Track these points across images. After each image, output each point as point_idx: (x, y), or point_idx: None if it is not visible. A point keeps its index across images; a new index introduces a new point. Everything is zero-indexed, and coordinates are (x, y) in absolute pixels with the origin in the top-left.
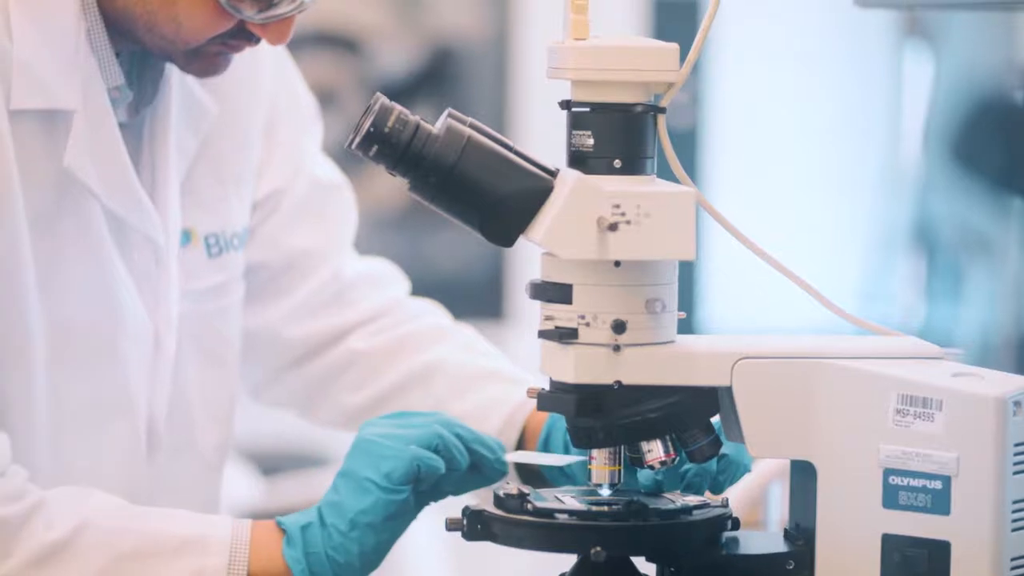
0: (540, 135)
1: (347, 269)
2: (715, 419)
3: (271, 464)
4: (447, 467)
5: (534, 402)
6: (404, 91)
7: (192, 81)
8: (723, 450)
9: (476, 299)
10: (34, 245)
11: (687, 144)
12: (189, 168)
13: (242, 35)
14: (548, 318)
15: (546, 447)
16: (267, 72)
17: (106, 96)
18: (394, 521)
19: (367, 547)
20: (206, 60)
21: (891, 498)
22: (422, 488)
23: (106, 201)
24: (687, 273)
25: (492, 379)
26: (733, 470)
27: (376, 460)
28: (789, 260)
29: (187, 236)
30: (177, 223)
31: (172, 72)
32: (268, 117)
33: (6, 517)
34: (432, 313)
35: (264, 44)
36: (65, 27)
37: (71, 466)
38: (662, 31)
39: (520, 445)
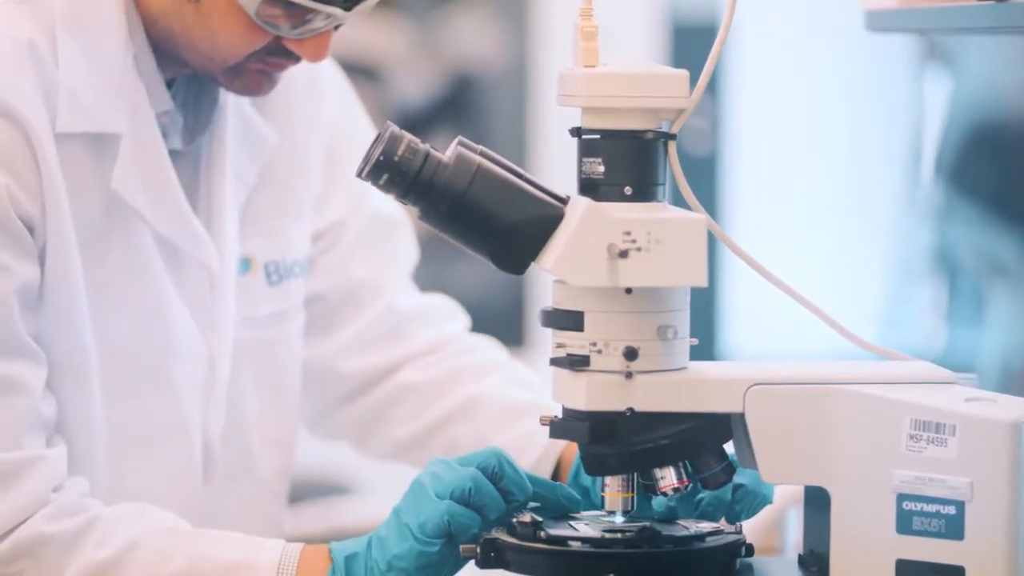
0: (559, 162)
1: (403, 303)
2: (729, 446)
3: (293, 493)
4: (481, 513)
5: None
6: (423, 119)
7: (251, 110)
8: (740, 480)
9: (497, 327)
10: (85, 268)
11: (706, 170)
12: (249, 196)
13: (280, 53)
14: (560, 346)
15: (576, 478)
16: (328, 102)
17: (154, 121)
18: (427, 570)
19: None
20: (248, 78)
21: (905, 523)
22: (459, 541)
23: (155, 224)
24: (706, 300)
25: (531, 413)
26: (750, 500)
27: (416, 507)
28: (808, 286)
29: (247, 263)
30: (234, 250)
31: (227, 100)
32: (329, 148)
33: (59, 533)
34: (486, 348)
35: (325, 78)
36: (112, 52)
37: (128, 487)
38: (679, 57)
39: (555, 478)
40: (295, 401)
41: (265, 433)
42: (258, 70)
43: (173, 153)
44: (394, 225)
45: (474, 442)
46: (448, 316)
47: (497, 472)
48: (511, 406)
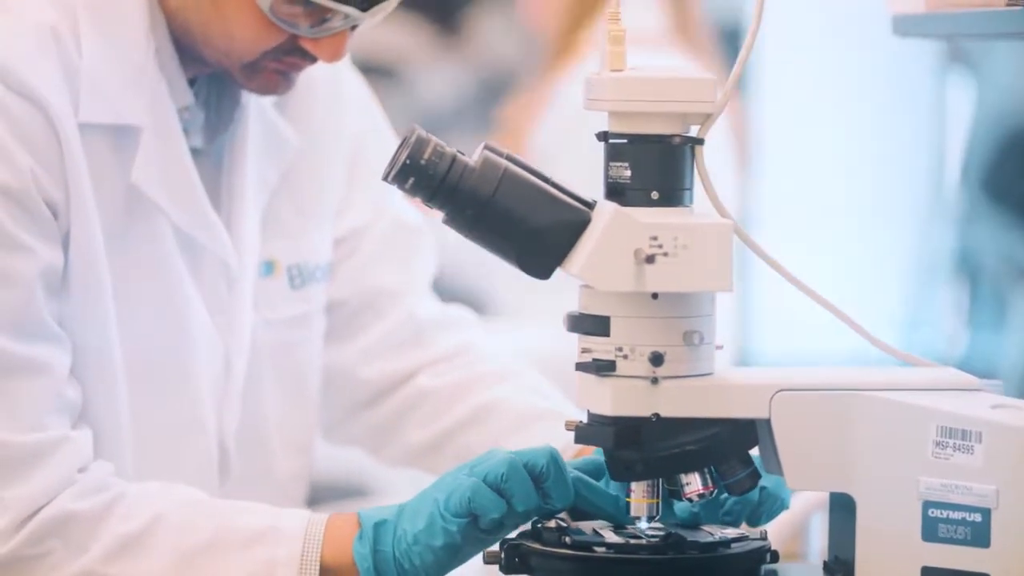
0: (583, 166)
1: (423, 311)
2: (754, 451)
3: (312, 495)
4: (509, 502)
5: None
6: (446, 121)
7: (273, 112)
8: (762, 483)
9: None
10: (108, 258)
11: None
12: (271, 199)
13: (296, 52)
14: (585, 350)
15: None
16: (352, 109)
17: (175, 115)
18: (450, 550)
19: (427, 563)
20: (265, 77)
21: (930, 531)
22: (482, 525)
23: (174, 217)
24: (730, 304)
25: (544, 419)
26: (770, 504)
27: (447, 483)
28: (831, 290)
29: (270, 266)
30: (254, 250)
31: (249, 101)
32: (352, 154)
33: (85, 510)
34: (501, 356)
35: (348, 84)
36: (134, 44)
37: (151, 479)
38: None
39: None
40: (314, 405)
41: (284, 436)
42: (275, 69)
43: (194, 151)
44: (415, 233)
45: (488, 448)
46: (467, 325)
47: (544, 472)
48: (526, 413)
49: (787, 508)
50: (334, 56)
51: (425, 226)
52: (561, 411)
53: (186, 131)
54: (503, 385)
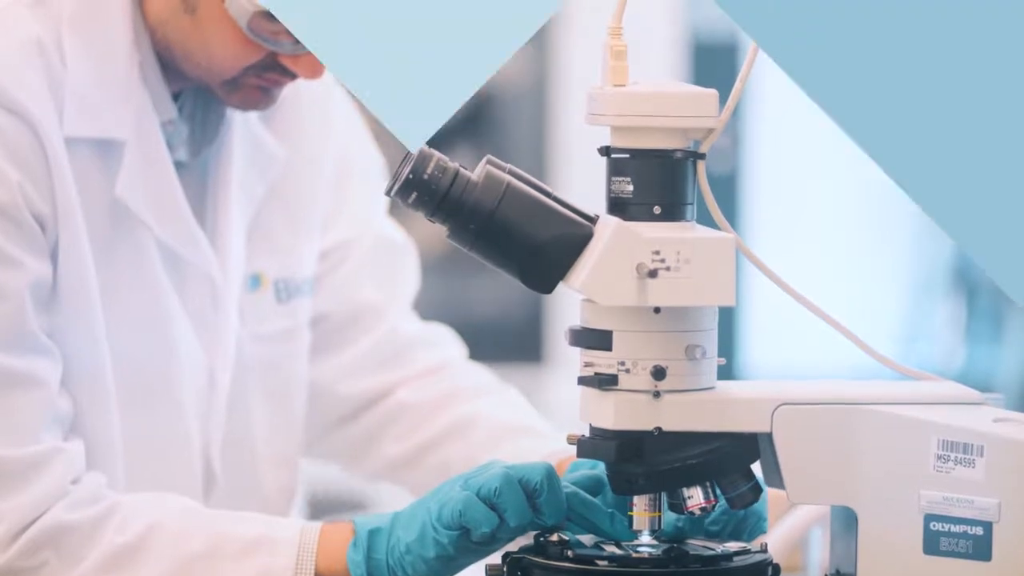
0: (579, 180)
1: (405, 328)
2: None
3: (310, 510)
4: (501, 517)
5: (561, 455)
6: (442, 136)
7: (259, 126)
8: None
9: (515, 343)
10: (96, 272)
11: (727, 188)
12: (258, 212)
13: (276, 68)
14: (588, 365)
15: None
16: (338, 124)
17: (159, 129)
18: (440, 561)
19: (420, 573)
20: (246, 93)
21: (932, 544)
22: (474, 538)
23: (158, 232)
24: (727, 317)
25: (525, 433)
26: (753, 521)
27: (442, 494)
28: (829, 303)
29: (257, 280)
30: (240, 265)
31: (235, 114)
32: (338, 168)
33: (80, 521)
34: (482, 373)
35: (335, 97)
36: (118, 59)
37: (140, 491)
38: (701, 76)
39: None
40: (300, 419)
41: (271, 450)
42: (256, 85)
43: (179, 165)
44: (400, 250)
45: (466, 462)
46: (447, 343)
47: (538, 488)
48: (504, 426)
49: (764, 532)
50: (313, 73)
51: (410, 244)
52: (536, 426)
53: (170, 145)
54: (481, 400)
